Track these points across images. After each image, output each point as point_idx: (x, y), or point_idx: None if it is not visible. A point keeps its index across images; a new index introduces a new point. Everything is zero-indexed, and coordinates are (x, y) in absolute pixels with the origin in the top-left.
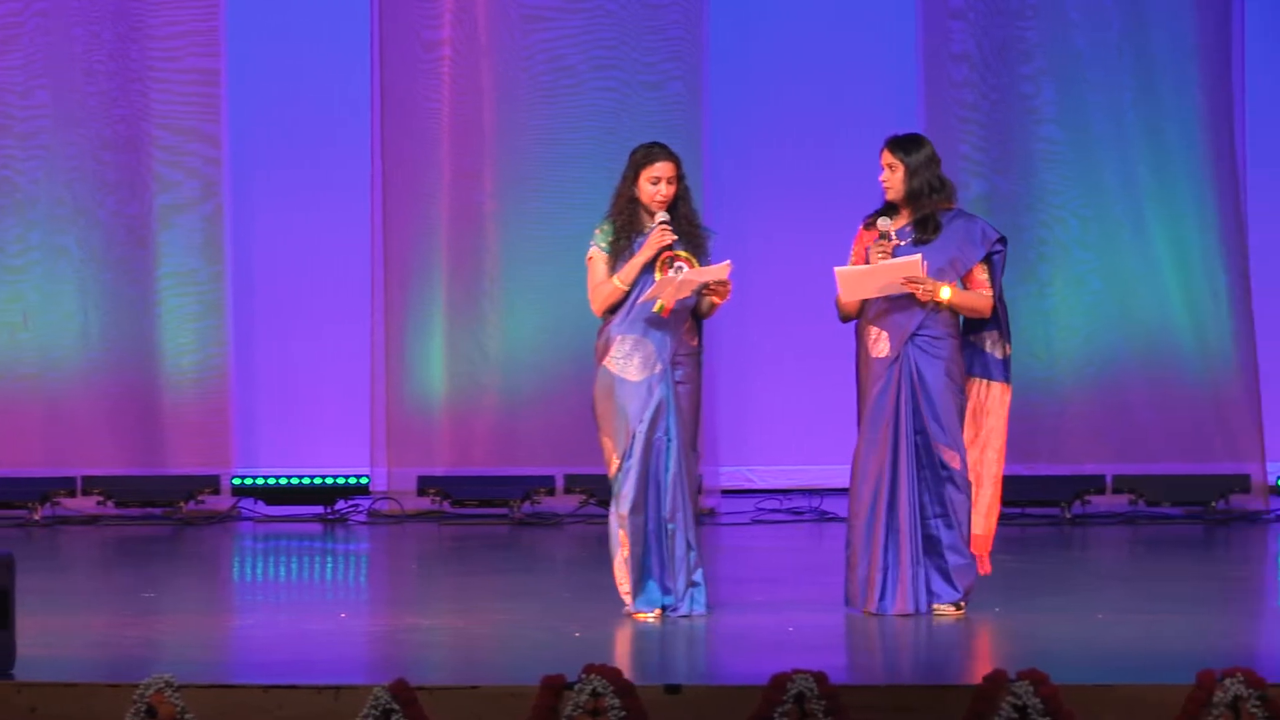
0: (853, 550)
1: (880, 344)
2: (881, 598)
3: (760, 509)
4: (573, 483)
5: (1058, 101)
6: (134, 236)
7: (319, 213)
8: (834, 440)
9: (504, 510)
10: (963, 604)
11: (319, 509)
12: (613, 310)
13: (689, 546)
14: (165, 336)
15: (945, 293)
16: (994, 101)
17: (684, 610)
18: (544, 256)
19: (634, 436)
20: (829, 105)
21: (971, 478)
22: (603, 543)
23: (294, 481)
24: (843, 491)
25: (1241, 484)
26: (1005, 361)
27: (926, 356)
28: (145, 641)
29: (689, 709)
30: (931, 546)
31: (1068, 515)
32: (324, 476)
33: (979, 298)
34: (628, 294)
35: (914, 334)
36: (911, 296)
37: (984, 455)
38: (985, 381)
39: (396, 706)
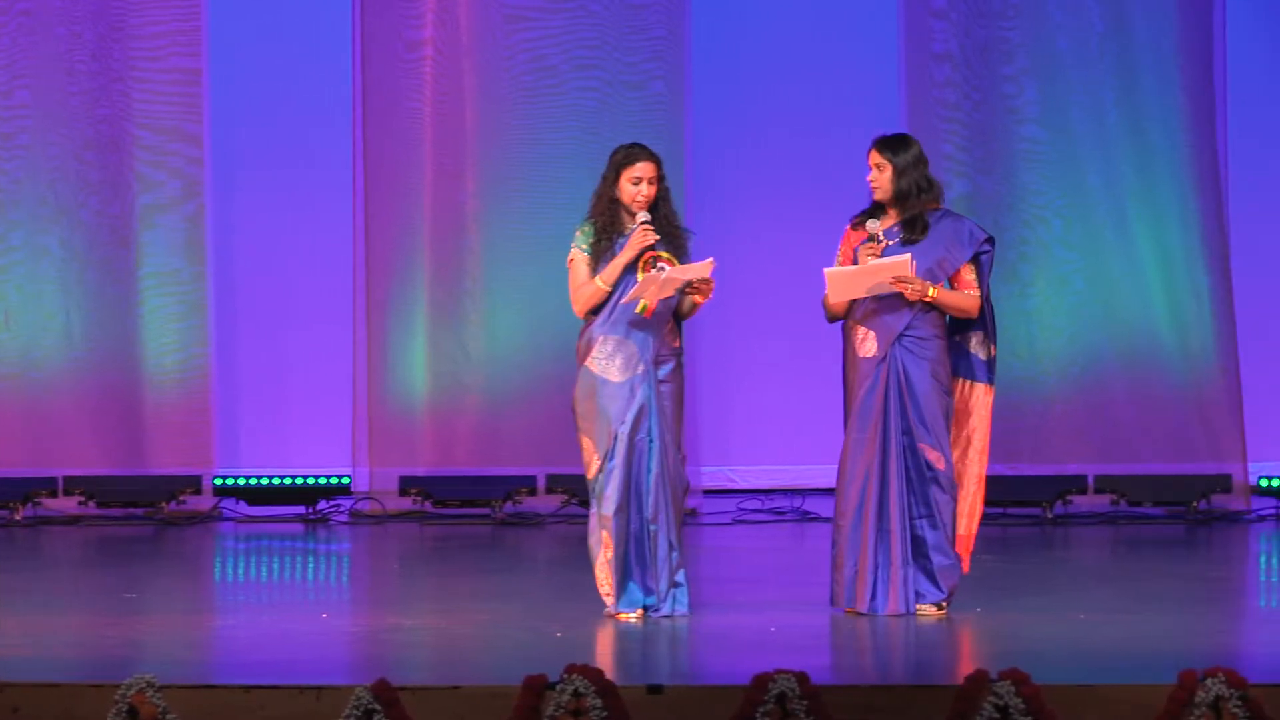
0: (839, 550)
1: (868, 344)
2: (873, 598)
3: (742, 509)
4: (555, 483)
5: (1040, 101)
6: (116, 236)
7: (301, 212)
8: (816, 440)
9: (486, 510)
10: (945, 604)
11: (301, 509)
12: (595, 311)
13: (671, 547)
14: (147, 336)
15: (932, 292)
16: (976, 101)
17: (666, 611)
18: (526, 256)
19: (616, 438)
20: (811, 105)
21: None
22: (584, 543)
23: (276, 482)
24: (825, 491)
25: (1223, 484)
26: (989, 363)
27: (913, 357)
28: (127, 642)
29: (671, 709)
30: (916, 547)
31: (1050, 515)
32: (306, 476)
33: (966, 298)
34: (610, 295)
35: (901, 334)
36: (899, 297)
37: (966, 455)
38: (968, 382)
39: (378, 707)
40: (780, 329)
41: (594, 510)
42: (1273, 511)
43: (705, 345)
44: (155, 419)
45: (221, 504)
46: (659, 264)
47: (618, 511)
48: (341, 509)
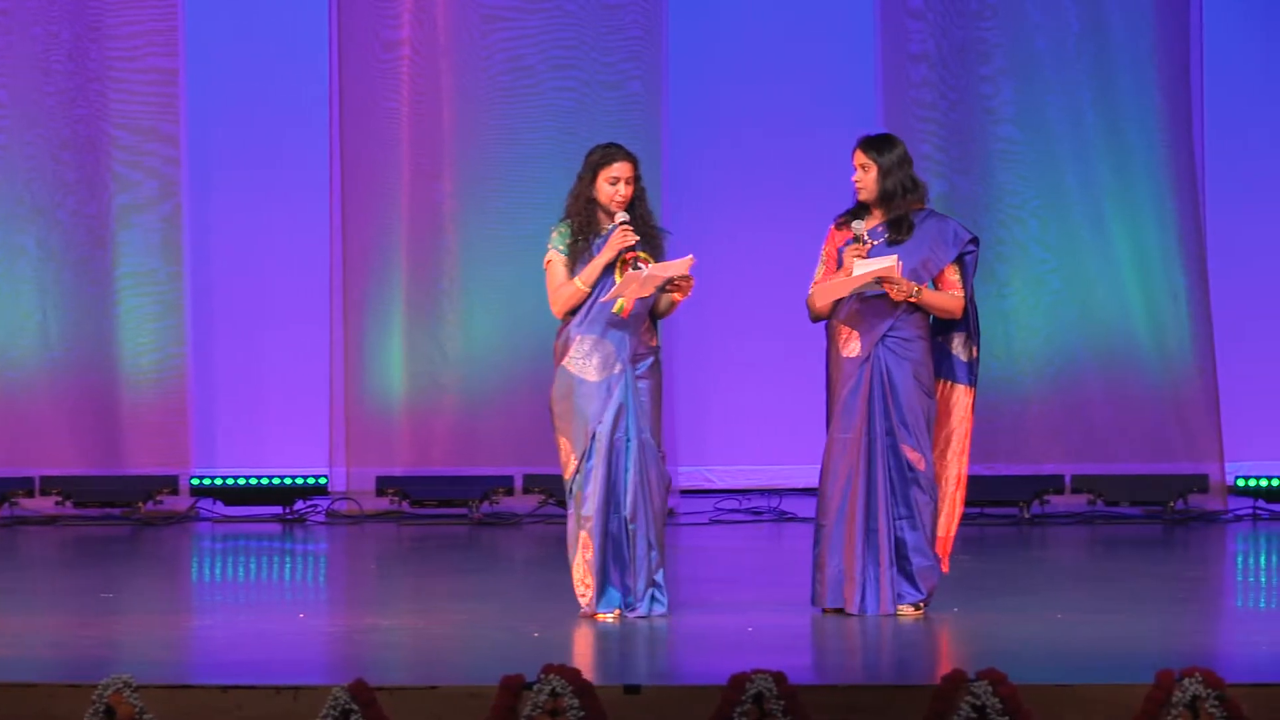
0: (821, 549)
1: (851, 344)
2: (862, 598)
3: (719, 509)
4: (532, 483)
5: (1017, 102)
6: (93, 236)
7: (278, 212)
8: (793, 440)
9: (463, 510)
10: (923, 605)
11: (278, 509)
12: (573, 311)
13: (650, 546)
14: (124, 336)
15: (917, 292)
16: (953, 101)
17: (643, 611)
18: (503, 256)
19: (594, 437)
20: (788, 105)
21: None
22: (562, 543)
23: (253, 482)
24: (802, 492)
25: (1200, 484)
26: (971, 364)
27: (896, 358)
28: (104, 642)
29: (648, 709)
30: (896, 548)
31: (1027, 515)
32: (283, 477)
33: (950, 298)
34: (589, 295)
35: (885, 335)
36: (884, 297)
37: (945, 456)
38: (949, 383)
39: (355, 707)
40: (757, 329)
41: (572, 510)
42: (1249, 511)
43: (682, 345)
44: (132, 419)
45: (199, 504)
46: (638, 264)
47: (596, 512)
48: (318, 509)
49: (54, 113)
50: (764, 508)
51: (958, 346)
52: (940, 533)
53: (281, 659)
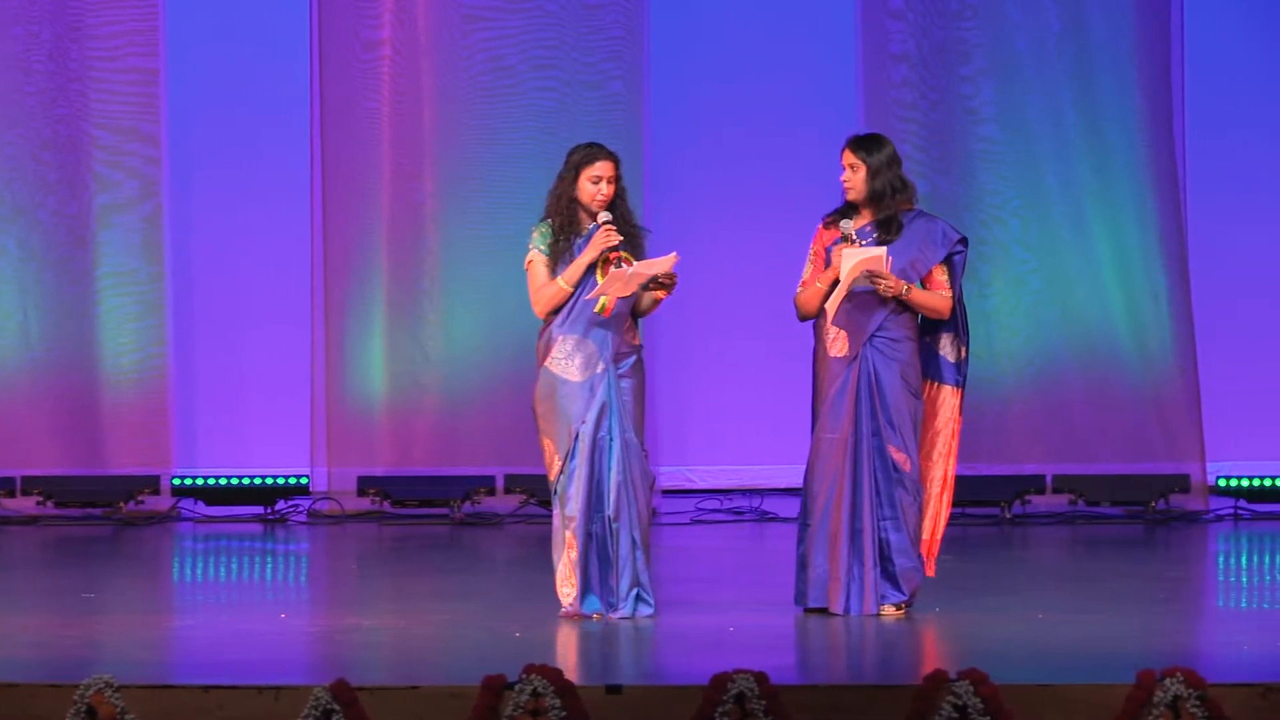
0: (806, 549)
1: (839, 343)
2: (846, 598)
3: (700, 509)
4: (513, 483)
5: (997, 102)
6: (74, 236)
7: (258, 212)
8: (774, 440)
9: (444, 510)
10: (905, 605)
11: (259, 509)
12: (555, 311)
13: (634, 545)
14: (105, 336)
15: (906, 289)
16: (933, 102)
17: (627, 612)
18: (484, 256)
19: (577, 437)
20: (769, 105)
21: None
22: (543, 542)
23: (234, 482)
24: (784, 492)
25: (1181, 484)
26: (958, 365)
27: (883, 358)
28: (85, 642)
29: (630, 709)
30: (880, 549)
31: (1008, 515)
32: (264, 477)
33: (939, 298)
34: (571, 295)
35: (873, 335)
36: (873, 296)
37: (931, 458)
38: (936, 384)
39: (337, 707)
40: (738, 328)
41: (556, 510)
42: (1230, 511)
43: (663, 345)
44: (113, 419)
45: (180, 504)
46: (620, 264)
47: (580, 512)
48: (300, 509)
49: (34, 113)
50: (745, 508)
51: (945, 347)
52: (925, 535)
53: (263, 659)
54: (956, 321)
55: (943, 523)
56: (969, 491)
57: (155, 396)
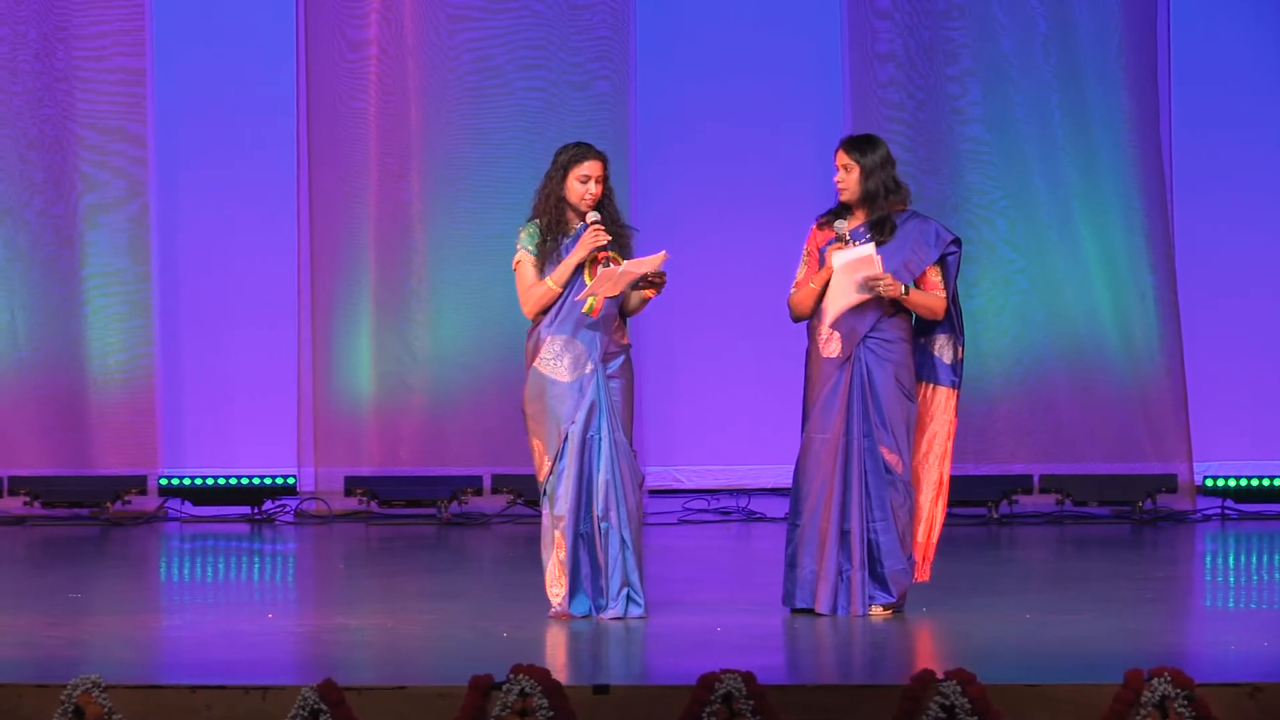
0: (795, 549)
1: (832, 344)
2: (834, 599)
3: (687, 509)
4: (500, 483)
5: (984, 102)
6: (60, 236)
7: (245, 212)
8: (762, 441)
9: (431, 510)
10: (893, 607)
11: (246, 509)
12: (544, 312)
13: (624, 544)
14: (92, 336)
15: (904, 289)
16: (920, 101)
17: (618, 612)
18: (471, 256)
19: (566, 437)
20: (756, 104)
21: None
22: (531, 542)
23: (221, 482)
24: (771, 492)
25: (1168, 484)
26: (953, 366)
27: (877, 359)
28: (72, 642)
29: (618, 709)
30: (869, 550)
31: (995, 515)
32: (251, 477)
33: (934, 298)
34: (560, 295)
35: (867, 336)
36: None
37: (925, 460)
38: (931, 385)
39: (324, 707)
40: (725, 328)
41: (546, 510)
42: (1218, 511)
43: (650, 344)
44: (100, 419)
45: (167, 504)
46: (609, 264)
47: (569, 512)
48: (287, 509)
49: (21, 112)
50: (733, 508)
51: (940, 348)
52: (920, 539)
53: (250, 659)
54: (951, 322)
55: (938, 527)
56: (956, 492)
57: (142, 396)
